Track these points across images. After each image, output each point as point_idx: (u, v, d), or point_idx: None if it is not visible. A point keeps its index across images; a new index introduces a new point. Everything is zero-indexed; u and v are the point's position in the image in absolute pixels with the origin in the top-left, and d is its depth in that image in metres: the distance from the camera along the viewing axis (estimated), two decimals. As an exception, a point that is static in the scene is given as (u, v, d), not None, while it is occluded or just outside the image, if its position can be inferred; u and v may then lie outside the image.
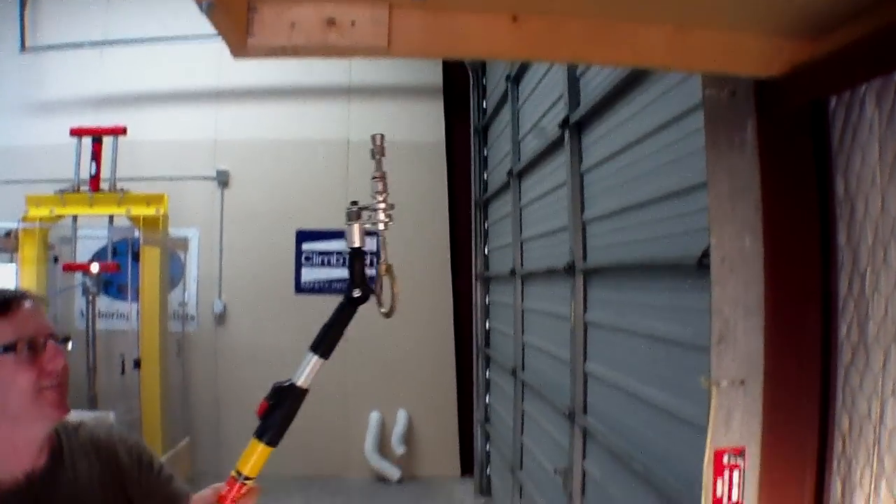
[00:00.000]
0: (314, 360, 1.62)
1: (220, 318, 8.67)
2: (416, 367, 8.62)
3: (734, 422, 2.08)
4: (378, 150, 1.71)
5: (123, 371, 7.10)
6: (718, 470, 2.08)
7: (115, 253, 7.28)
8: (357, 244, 1.66)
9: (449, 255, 8.76)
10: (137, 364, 7.01)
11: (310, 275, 8.81)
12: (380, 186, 1.70)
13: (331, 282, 8.72)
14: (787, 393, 2.13)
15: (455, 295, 8.73)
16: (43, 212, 6.91)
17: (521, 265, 5.87)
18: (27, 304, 1.63)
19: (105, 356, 7.46)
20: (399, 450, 8.37)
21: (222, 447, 8.33)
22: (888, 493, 1.87)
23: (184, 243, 8.32)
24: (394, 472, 8.32)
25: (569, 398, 4.19)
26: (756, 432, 2.10)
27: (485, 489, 7.85)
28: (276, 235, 8.80)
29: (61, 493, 1.69)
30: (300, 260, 8.88)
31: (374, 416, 8.58)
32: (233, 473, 1.65)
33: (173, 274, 8.13)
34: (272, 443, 1.64)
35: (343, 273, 8.75)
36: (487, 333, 7.82)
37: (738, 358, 2.08)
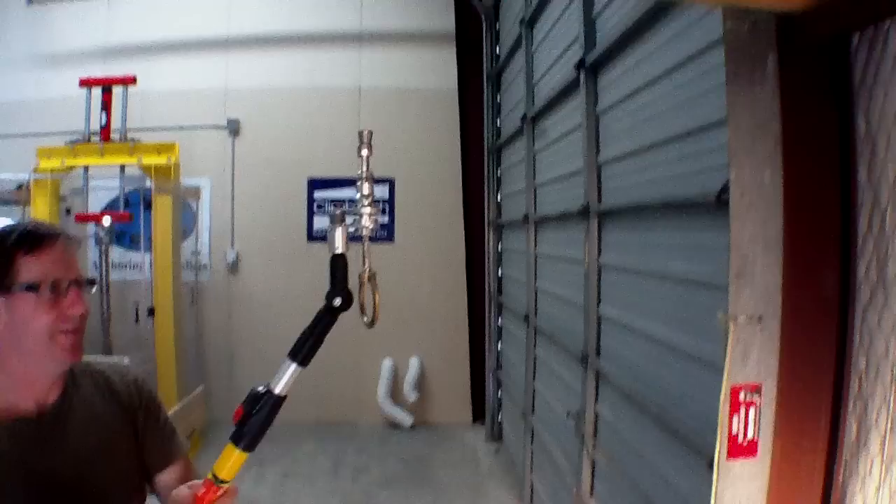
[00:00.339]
0: (292, 367, 1.60)
1: (233, 267, 8.70)
2: (428, 314, 8.65)
3: (751, 358, 2.07)
4: (365, 146, 1.60)
5: (137, 320, 7.15)
6: (734, 407, 2.07)
7: (127, 203, 7.29)
8: (339, 250, 1.59)
9: (461, 203, 8.73)
10: (151, 312, 7.05)
11: (322, 223, 8.78)
12: (365, 188, 1.60)
13: (342, 229, 8.69)
14: (805, 331, 2.11)
15: (468, 243, 8.71)
16: (54, 163, 6.89)
17: (535, 210, 5.84)
18: (59, 244, 1.65)
19: (119, 306, 7.50)
20: (411, 396, 8.43)
21: (236, 394, 8.37)
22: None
23: (196, 192, 8.31)
24: (406, 419, 8.39)
25: (582, 342, 4.19)
26: (773, 369, 2.09)
27: (496, 435, 7.91)
28: (288, 184, 8.78)
29: (71, 426, 1.72)
30: (312, 208, 8.86)
31: (387, 363, 8.63)
32: (209, 476, 1.63)
33: (185, 224, 8.14)
34: (248, 448, 1.62)
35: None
36: (500, 281, 7.82)
37: (756, 294, 2.07)
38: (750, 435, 2.10)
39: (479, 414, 8.54)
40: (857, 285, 2.06)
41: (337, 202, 8.76)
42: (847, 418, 2.12)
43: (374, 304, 1.61)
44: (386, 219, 8.79)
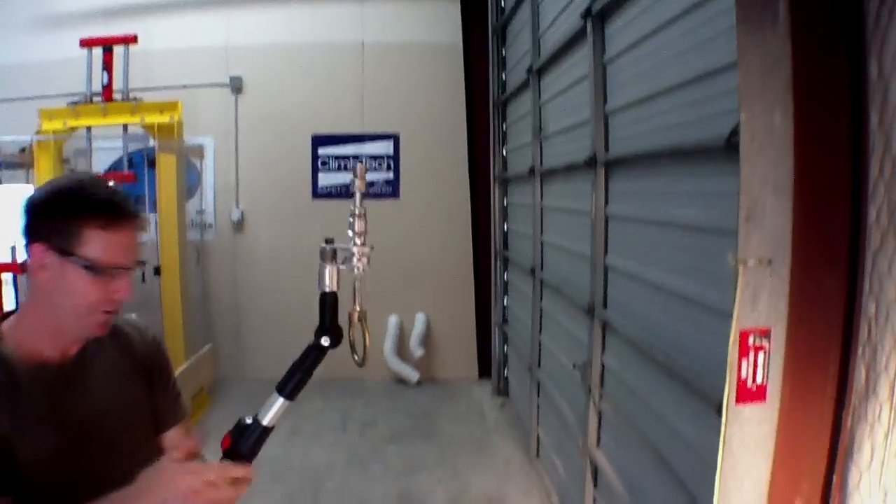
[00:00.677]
0: (280, 401, 1.60)
1: (238, 226, 8.69)
2: (434, 270, 8.65)
3: (760, 302, 2.06)
4: (360, 181, 1.58)
5: (144, 279, 7.16)
6: (743, 351, 2.06)
7: (131, 164, 7.26)
8: (329, 288, 1.59)
9: (467, 158, 8.69)
10: (157, 271, 7.05)
11: (326, 180, 8.78)
12: (359, 226, 1.58)
13: (347, 186, 8.67)
14: (815, 275, 2.09)
15: (473, 198, 8.69)
16: (56, 125, 6.84)
17: (541, 163, 5.80)
18: (131, 228, 1.63)
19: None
20: (418, 352, 8.46)
21: (243, 353, 8.47)
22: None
23: (199, 151, 8.28)
24: (412, 375, 8.43)
25: (588, 293, 4.18)
26: (782, 313, 2.08)
27: (502, 390, 7.95)
28: (292, 141, 8.75)
29: (91, 376, 1.74)
30: (316, 165, 8.83)
31: (393, 320, 8.65)
32: None
33: (190, 183, 8.12)
34: None
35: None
36: (506, 235, 7.79)
37: (766, 237, 2.05)
38: (759, 380, 2.09)
39: (485, 369, 8.59)
40: (867, 230, 2.04)
41: (342, 159, 8.73)
42: (856, 364, 2.11)
43: (365, 344, 1.61)
44: (391, 175, 8.76)
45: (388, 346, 8.54)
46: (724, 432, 2.13)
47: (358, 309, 1.61)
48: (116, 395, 1.79)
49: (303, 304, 8.49)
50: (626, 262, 3.69)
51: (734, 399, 2.09)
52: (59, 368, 1.68)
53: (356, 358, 1.65)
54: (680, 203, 3.01)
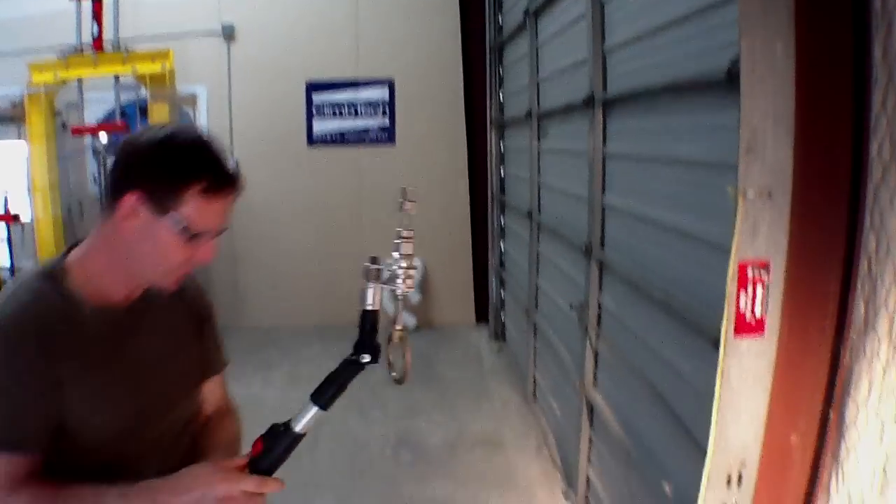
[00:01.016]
0: (314, 410, 1.62)
1: (234, 176, 8.60)
2: (430, 216, 8.59)
3: (760, 234, 2.04)
4: (409, 203, 1.61)
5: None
6: (742, 283, 2.05)
7: (123, 116, 7.16)
8: (371, 306, 1.61)
9: (463, 103, 8.62)
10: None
11: (322, 126, 8.70)
12: (406, 248, 1.59)
13: (343, 133, 8.63)
14: (815, 208, 2.07)
15: (469, 143, 8.64)
16: (47, 77, 6.76)
17: (538, 105, 5.73)
18: (233, 194, 1.59)
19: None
20: (414, 298, 8.47)
21: (242, 302, 8.47)
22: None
23: (192, 100, 8.21)
24: (409, 320, 8.45)
25: (585, 233, 4.17)
26: (782, 246, 2.06)
27: (499, 334, 7.98)
28: (286, 88, 8.66)
29: (151, 321, 1.73)
30: (311, 112, 8.74)
31: (390, 267, 8.64)
32: None
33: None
34: None
35: (356, 123, 8.66)
36: (502, 180, 7.74)
37: (766, 168, 2.02)
38: (758, 313, 2.08)
39: (482, 314, 8.61)
40: (869, 164, 2.01)
41: (337, 105, 8.65)
42: (855, 298, 2.10)
43: (406, 362, 1.65)
44: (386, 121, 8.70)
45: (385, 292, 8.54)
46: (722, 365, 2.13)
47: (399, 328, 1.64)
48: (172, 341, 1.80)
49: (300, 253, 8.57)
50: (624, 201, 3.67)
51: (732, 332, 2.08)
52: (124, 312, 1.66)
53: (395, 375, 1.67)
54: (679, 139, 2.98)
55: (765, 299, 2.08)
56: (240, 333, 7.85)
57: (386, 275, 1.59)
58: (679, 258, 2.97)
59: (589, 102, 4.01)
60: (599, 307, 4.04)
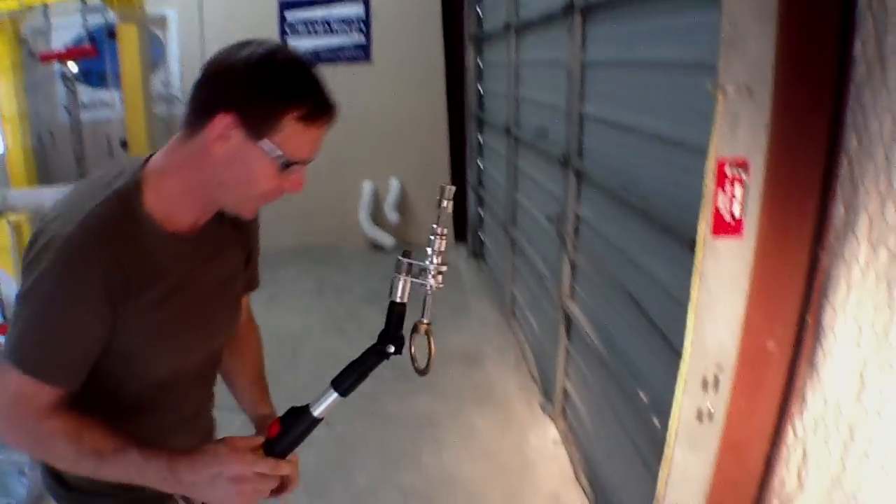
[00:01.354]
0: (334, 395, 1.62)
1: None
2: (407, 135, 8.51)
3: (739, 132, 1.98)
4: (447, 202, 1.58)
5: (111, 153, 6.98)
6: (720, 181, 1.99)
7: (91, 41, 6.96)
8: (399, 299, 1.59)
9: (440, 17, 8.44)
10: (124, 144, 6.88)
11: (296, 45, 8.48)
12: (439, 245, 1.59)
13: (318, 52, 8.44)
14: (796, 107, 2.01)
15: (447, 59, 8.47)
16: (11, 3, 6.53)
17: (517, 17, 5.60)
18: (329, 123, 1.48)
19: (93, 145, 7.29)
20: (392, 218, 8.42)
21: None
22: (895, 217, 1.80)
23: (162, 21, 7.98)
24: (388, 240, 8.41)
25: (563, 144, 4.11)
26: (761, 145, 2.00)
27: (478, 252, 7.98)
28: (258, 7, 8.47)
29: (213, 246, 1.66)
30: (284, 30, 8.57)
31: (367, 186, 8.57)
32: None
33: (154, 56, 7.83)
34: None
35: (330, 41, 8.48)
36: (480, 96, 7.63)
37: (747, 64, 1.95)
38: (736, 213, 2.03)
39: (461, 232, 8.57)
40: (852, 62, 1.95)
41: (311, 23, 8.45)
42: (835, 200, 2.06)
43: (430, 354, 1.61)
44: (362, 39, 8.51)
45: (363, 212, 8.49)
46: (699, 266, 2.09)
47: (426, 321, 1.61)
48: (228, 270, 1.75)
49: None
50: (603, 109, 3.60)
51: (710, 232, 2.04)
52: (190, 241, 1.57)
53: (416, 366, 1.64)
54: (659, 41, 2.89)
55: (744, 200, 2.03)
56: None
57: (417, 269, 1.59)
58: (658, 164, 2.92)
59: (568, 10, 3.91)
60: (577, 218, 4.01)
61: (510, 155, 5.88)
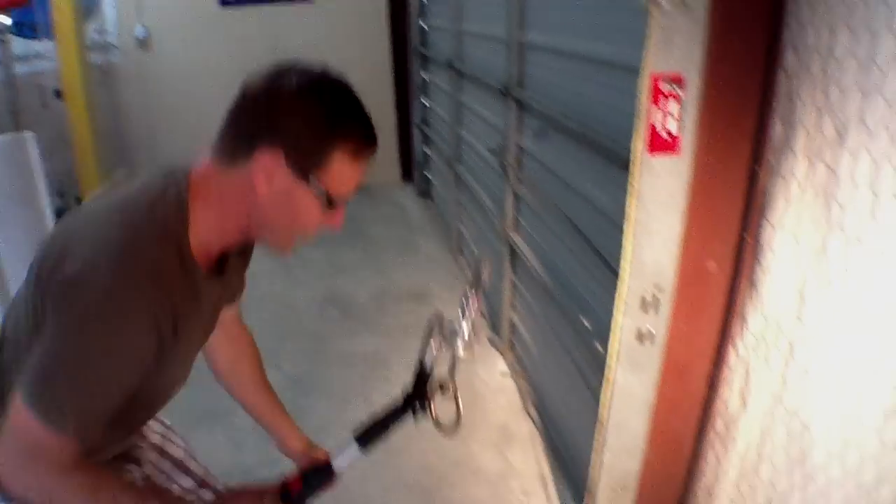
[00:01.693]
0: (357, 453, 1.68)
1: (144, 45, 8.07)
2: (351, 75, 8.29)
3: (674, 47, 1.93)
4: (487, 275, 1.73)
5: (45, 104, 6.74)
6: (655, 97, 1.96)
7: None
8: (429, 360, 1.67)
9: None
10: (58, 94, 6.65)
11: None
12: (474, 312, 1.69)
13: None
14: (733, 19, 1.96)
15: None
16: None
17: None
18: (373, 155, 1.44)
19: (28, 97, 7.02)
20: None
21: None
22: (832, 128, 1.78)
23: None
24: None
25: (505, 74, 4.06)
26: (697, 60, 1.96)
27: (425, 191, 7.94)
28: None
29: (230, 270, 1.58)
30: (220, -31, 8.26)
31: (311, 128, 8.40)
32: None
33: (88, 4, 7.52)
34: None
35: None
36: (423, 32, 7.48)
37: (682, -25, 1.91)
38: (672, 130, 2.00)
39: (407, 173, 8.50)
40: (789, -25, 1.92)
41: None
42: (773, 116, 2.04)
43: (458, 415, 1.67)
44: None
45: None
46: (636, 185, 2.06)
47: (452, 384, 1.69)
48: (231, 285, 1.69)
49: (218, 120, 8.22)
50: (544, 37, 3.53)
51: (646, 149, 2.01)
52: (215, 272, 1.49)
53: (440, 427, 1.69)
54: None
55: (680, 116, 2.00)
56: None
57: (448, 333, 1.67)
58: (597, 88, 2.88)
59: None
60: (519, 149, 3.97)
61: (454, 90, 5.82)
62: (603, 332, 2.75)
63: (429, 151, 7.68)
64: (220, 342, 1.90)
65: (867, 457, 1.71)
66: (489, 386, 4.25)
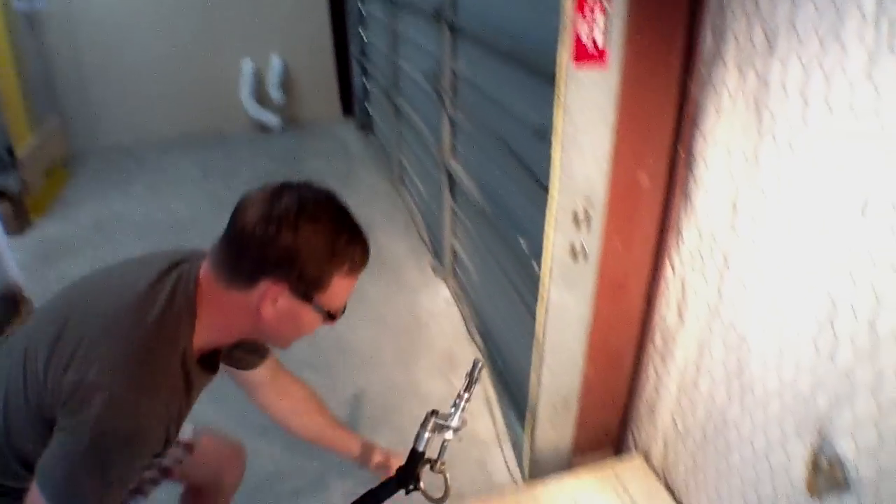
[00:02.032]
0: None
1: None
2: (287, 10, 8.11)
3: (599, -45, 1.90)
4: (476, 379, 1.81)
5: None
6: (580, 6, 1.92)
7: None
8: (422, 448, 1.80)
9: None
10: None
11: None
12: (463, 405, 1.82)
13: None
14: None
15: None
16: None
17: None
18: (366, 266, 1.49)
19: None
20: (277, 97, 8.13)
21: (97, 121, 7.87)
22: (762, 36, 1.77)
23: None
24: (274, 120, 8.14)
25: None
26: (623, -31, 1.93)
27: (366, 125, 7.84)
28: None
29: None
30: None
31: (247, 64, 8.19)
32: None
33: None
34: None
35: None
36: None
37: None
38: (599, 41, 1.97)
39: (348, 107, 8.37)
40: None
41: None
42: (703, 26, 2.02)
43: (447, 489, 1.84)
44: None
45: (245, 93, 8.15)
46: (562, 98, 2.04)
47: (441, 462, 1.86)
48: (239, 356, 1.86)
49: (151, 64, 7.99)
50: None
51: (571, 61, 1.97)
52: (214, 367, 1.59)
53: (430, 500, 1.84)
54: None
55: (606, 27, 1.96)
56: (98, 155, 7.46)
57: (440, 425, 1.81)
58: (527, 9, 2.83)
59: None
60: (454, 74, 3.91)
61: (390, 20, 5.70)
62: (539, 252, 2.74)
63: (368, 85, 7.56)
64: (272, 401, 1.99)
65: (803, 366, 1.73)
66: (432, 313, 4.26)
